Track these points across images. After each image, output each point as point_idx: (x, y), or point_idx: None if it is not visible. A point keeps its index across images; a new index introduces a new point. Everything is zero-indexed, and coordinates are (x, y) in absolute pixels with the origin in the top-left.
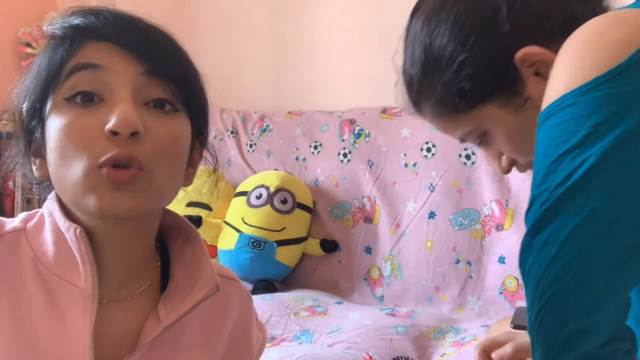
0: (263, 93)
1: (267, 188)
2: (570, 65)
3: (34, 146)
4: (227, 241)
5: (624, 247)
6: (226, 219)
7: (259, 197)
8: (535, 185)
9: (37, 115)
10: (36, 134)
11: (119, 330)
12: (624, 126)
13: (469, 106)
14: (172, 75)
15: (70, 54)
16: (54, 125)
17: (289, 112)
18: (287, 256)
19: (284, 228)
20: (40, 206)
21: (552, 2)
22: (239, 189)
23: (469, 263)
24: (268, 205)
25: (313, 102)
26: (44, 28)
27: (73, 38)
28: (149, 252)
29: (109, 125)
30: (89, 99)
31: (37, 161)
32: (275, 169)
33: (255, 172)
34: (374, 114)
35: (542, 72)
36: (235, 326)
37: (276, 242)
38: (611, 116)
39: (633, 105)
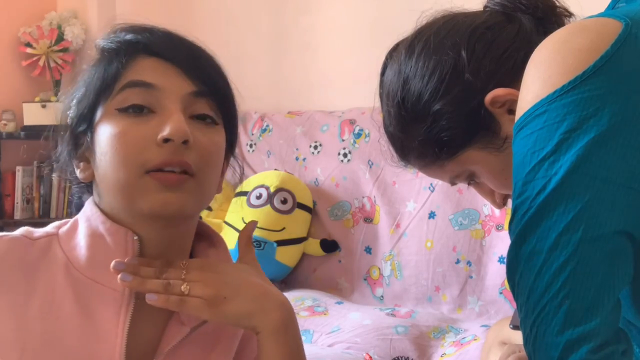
0: (263, 93)
1: (267, 188)
2: (539, 75)
3: (80, 150)
4: (227, 241)
5: (608, 251)
6: (226, 219)
7: (259, 197)
8: (516, 196)
9: (86, 121)
10: (87, 138)
11: (148, 330)
12: (595, 130)
13: (451, 154)
14: (216, 95)
15: (125, 66)
16: (106, 132)
17: (289, 112)
18: (287, 256)
19: (284, 228)
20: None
21: (511, 41)
22: (239, 189)
23: (469, 263)
24: (268, 205)
25: (313, 102)
26: (96, 42)
27: (127, 52)
28: (184, 257)
29: (164, 134)
30: (140, 110)
31: (81, 164)
32: (275, 169)
33: (255, 172)
34: (374, 114)
35: (514, 109)
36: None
37: (276, 242)
38: (582, 121)
39: (602, 109)
